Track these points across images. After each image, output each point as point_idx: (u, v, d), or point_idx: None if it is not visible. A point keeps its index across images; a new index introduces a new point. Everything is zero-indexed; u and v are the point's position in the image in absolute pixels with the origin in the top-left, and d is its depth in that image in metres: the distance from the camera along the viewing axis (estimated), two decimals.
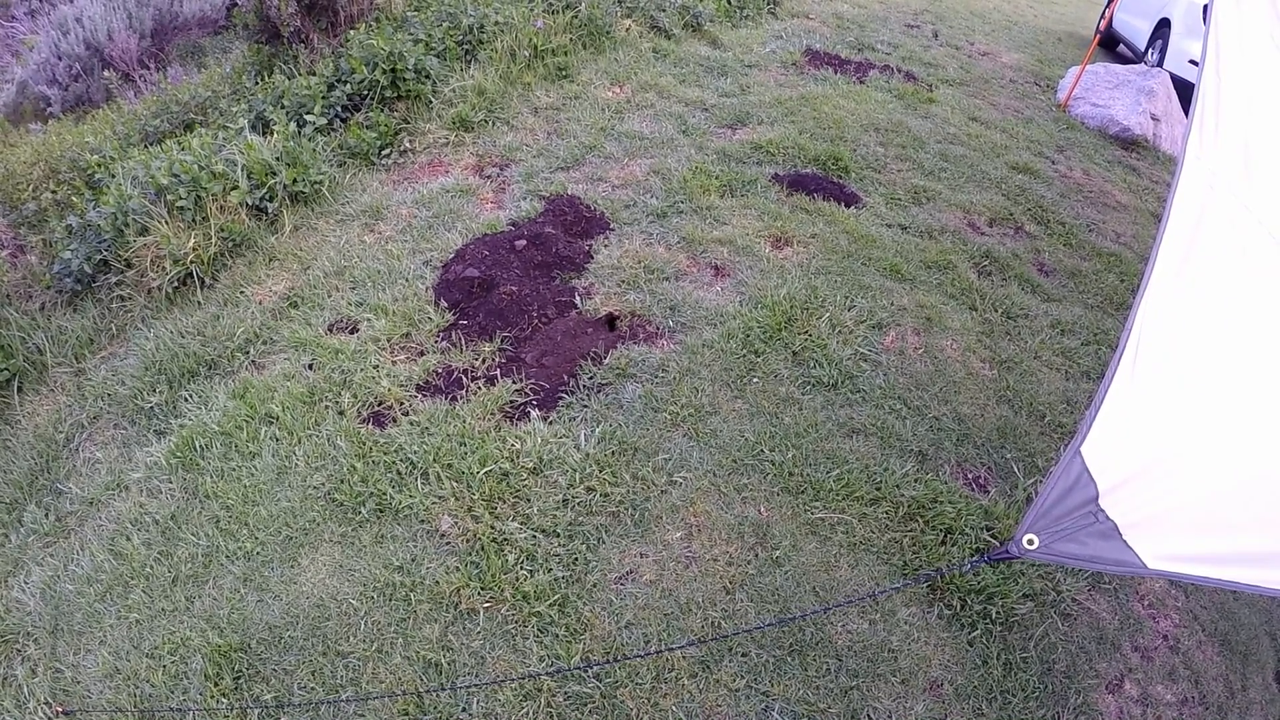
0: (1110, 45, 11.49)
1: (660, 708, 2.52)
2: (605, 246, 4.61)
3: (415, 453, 3.20)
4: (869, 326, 4.02)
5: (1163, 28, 8.71)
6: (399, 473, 3.14)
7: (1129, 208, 6.20)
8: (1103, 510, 1.47)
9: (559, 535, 2.90)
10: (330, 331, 4.07)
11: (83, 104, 8.51)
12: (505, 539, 2.88)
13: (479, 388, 3.56)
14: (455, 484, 3.07)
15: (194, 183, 4.78)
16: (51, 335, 4.42)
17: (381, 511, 3.02)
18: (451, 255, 4.52)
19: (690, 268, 4.42)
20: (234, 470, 3.31)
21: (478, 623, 2.67)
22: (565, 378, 3.66)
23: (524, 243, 4.62)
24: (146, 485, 3.38)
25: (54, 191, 5.51)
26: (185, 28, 8.16)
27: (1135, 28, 10.00)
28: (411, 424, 3.37)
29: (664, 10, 7.80)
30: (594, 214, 4.99)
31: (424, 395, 3.57)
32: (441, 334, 3.97)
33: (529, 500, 3.01)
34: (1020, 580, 3.02)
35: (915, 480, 3.25)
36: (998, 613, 2.89)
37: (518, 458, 3.15)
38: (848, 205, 5.19)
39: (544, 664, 2.57)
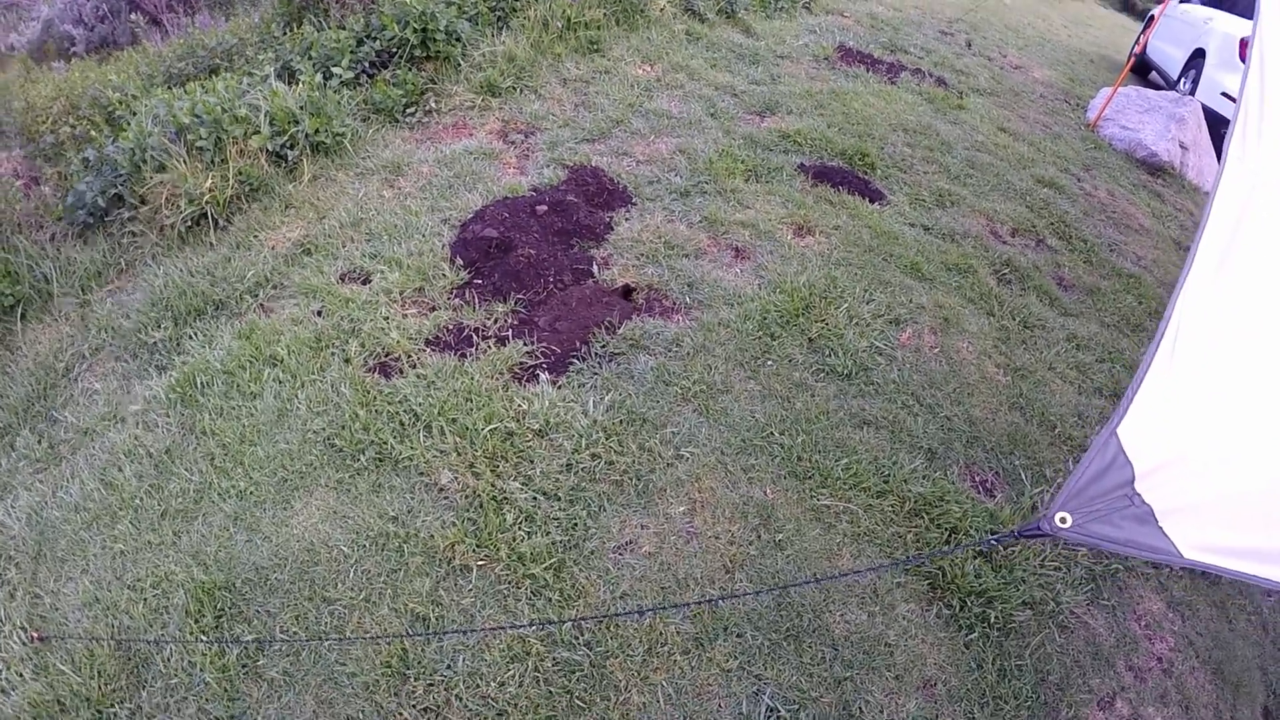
0: (1143, 71, 11.38)
1: (650, 681, 2.46)
2: (626, 219, 4.55)
3: (420, 405, 3.14)
4: (886, 321, 3.95)
5: (1197, 58, 8.60)
6: (402, 423, 3.08)
7: (1151, 232, 6.12)
8: (1139, 494, 1.40)
9: (560, 499, 2.84)
10: (342, 280, 4.01)
11: (108, 45, 8.44)
12: (505, 498, 2.82)
13: (489, 347, 3.50)
14: (458, 439, 3.00)
15: (215, 124, 4.72)
16: (60, 265, 4.37)
17: (381, 461, 2.96)
18: (470, 215, 4.45)
19: (710, 247, 4.36)
20: (233, 409, 3.25)
21: (470, 580, 2.61)
22: (577, 344, 3.59)
23: (545, 208, 4.55)
24: (143, 418, 3.33)
25: (72, 126, 5.45)
26: None
27: (1169, 55, 9.89)
28: (418, 377, 3.31)
29: None
30: (616, 187, 4.92)
31: (433, 350, 3.51)
32: (455, 291, 3.90)
33: (532, 461, 2.94)
34: (1021, 587, 2.95)
35: (923, 477, 3.18)
36: (996, 617, 2.83)
37: (524, 418, 3.08)
38: (872, 201, 5.12)
39: (535, 629, 2.51)
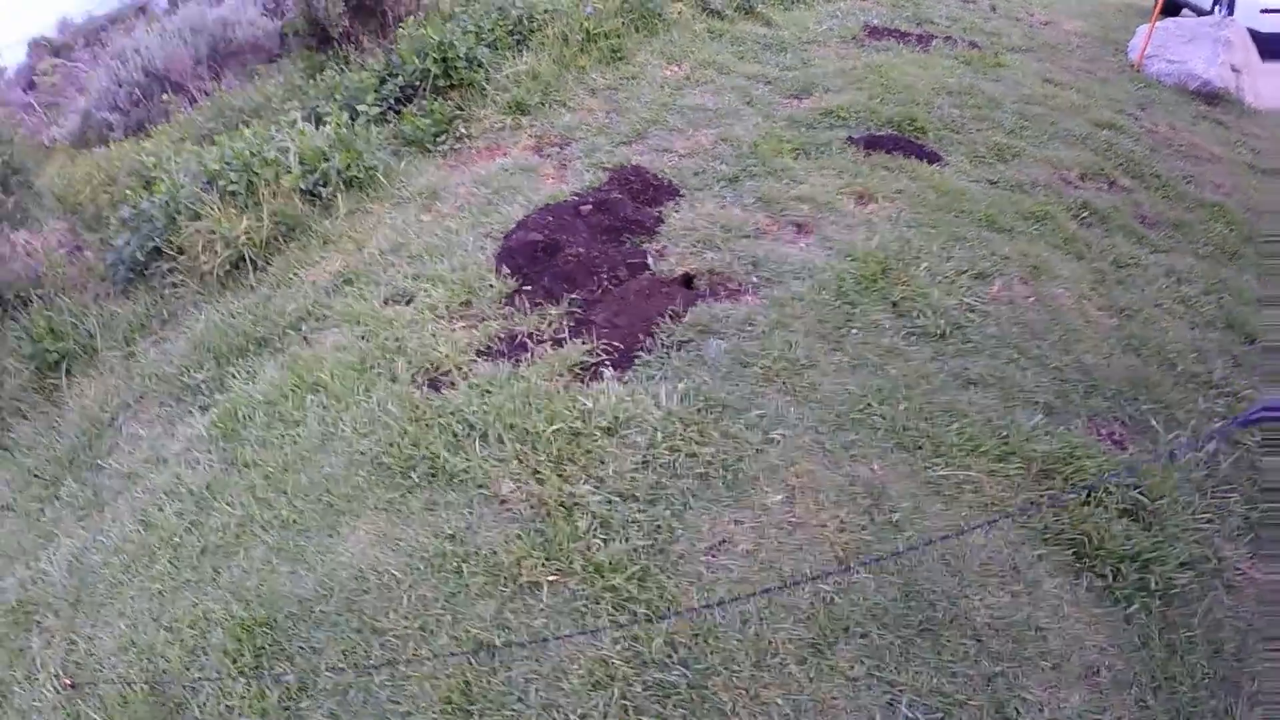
0: (1173, 11, 10.83)
1: (762, 700, 2.07)
2: (676, 211, 4.26)
3: (474, 413, 2.85)
4: (971, 276, 3.56)
5: None
6: (455, 435, 2.80)
7: (1223, 159, 5.62)
8: None
9: (638, 499, 2.49)
10: (385, 304, 3.81)
11: (144, 127, 8.71)
12: (575, 503, 2.49)
13: (546, 350, 3.21)
14: (519, 445, 2.70)
15: (245, 168, 4.65)
16: (103, 321, 4.29)
17: (434, 476, 2.67)
18: (513, 225, 4.22)
19: (770, 226, 4.02)
20: (276, 439, 3.02)
21: (540, 598, 2.27)
22: (641, 336, 3.28)
23: (589, 207, 4.30)
24: (185, 457, 3.13)
25: (109, 193, 5.48)
26: (239, 53, 8.28)
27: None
28: (470, 386, 3.04)
29: None
30: (661, 182, 4.64)
31: (485, 360, 3.24)
32: (504, 300, 3.65)
33: (603, 461, 2.62)
34: (1175, 545, 2.47)
35: (1045, 434, 2.75)
36: (1155, 583, 2.36)
37: (589, 417, 2.76)
38: (930, 163, 4.74)
39: (619, 647, 2.15)
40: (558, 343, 3.29)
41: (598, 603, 2.24)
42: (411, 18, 5.87)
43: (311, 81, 6.27)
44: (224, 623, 2.33)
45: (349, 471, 2.75)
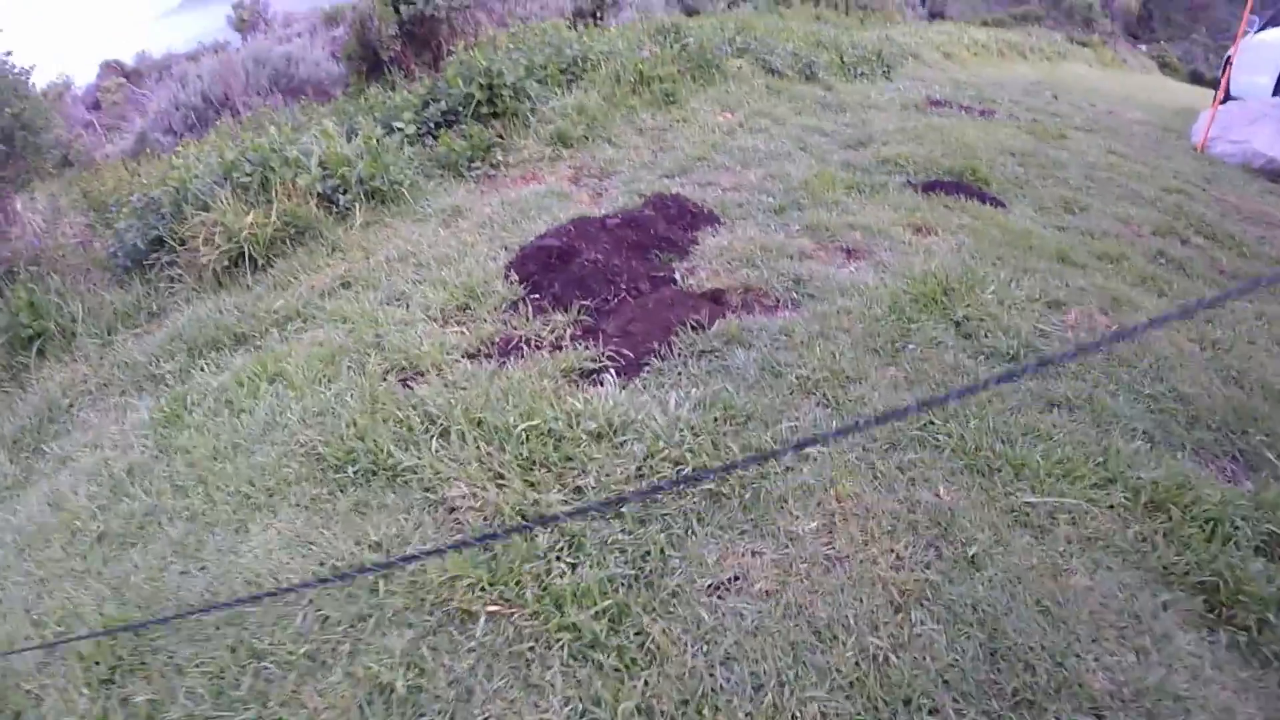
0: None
1: None
2: (713, 235, 3.82)
3: (437, 406, 2.35)
4: (1044, 304, 3.01)
5: None
6: (409, 428, 2.29)
7: None
8: None
9: (624, 517, 1.92)
10: (378, 306, 3.41)
11: None
12: (540, 515, 1.92)
13: (542, 356, 2.72)
14: (483, 445, 2.17)
15: (263, 163, 4.43)
16: (88, 305, 3.99)
17: (373, 473, 2.15)
18: (532, 239, 3.84)
19: (816, 251, 3.55)
20: (216, 425, 2.56)
21: (472, 633, 1.68)
22: (655, 344, 2.78)
23: (617, 221, 3.90)
24: (119, 440, 2.68)
25: (133, 191, 5.35)
26: (299, 89, 8.45)
27: (1256, 84, 9.10)
28: (446, 385, 2.54)
29: (775, 53, 7.39)
30: (701, 210, 4.22)
31: (471, 361, 2.76)
32: (507, 306, 3.21)
33: (584, 470, 2.06)
34: None
35: (1151, 462, 2.10)
36: None
37: (576, 419, 2.23)
38: (993, 206, 4.26)
39: (570, 710, 1.53)
40: (557, 347, 2.80)
41: (550, 646, 1.64)
42: (463, 43, 5.78)
43: (356, 102, 6.20)
44: (90, 622, 1.80)
45: (280, 462, 2.25)
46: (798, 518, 1.88)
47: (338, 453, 2.22)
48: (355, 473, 2.15)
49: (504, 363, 2.73)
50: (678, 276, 3.38)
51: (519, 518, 1.90)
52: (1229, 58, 9.22)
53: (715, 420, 2.21)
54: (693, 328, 2.84)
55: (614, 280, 3.31)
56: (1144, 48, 18.28)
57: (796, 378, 2.39)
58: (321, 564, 1.86)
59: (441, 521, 1.96)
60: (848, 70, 8.39)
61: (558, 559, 1.81)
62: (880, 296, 2.86)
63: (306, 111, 6.59)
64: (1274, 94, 8.74)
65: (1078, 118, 7.82)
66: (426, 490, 2.06)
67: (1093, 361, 2.59)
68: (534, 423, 2.19)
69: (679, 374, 2.52)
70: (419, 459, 2.15)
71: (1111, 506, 1.92)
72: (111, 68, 12.39)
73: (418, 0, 5.55)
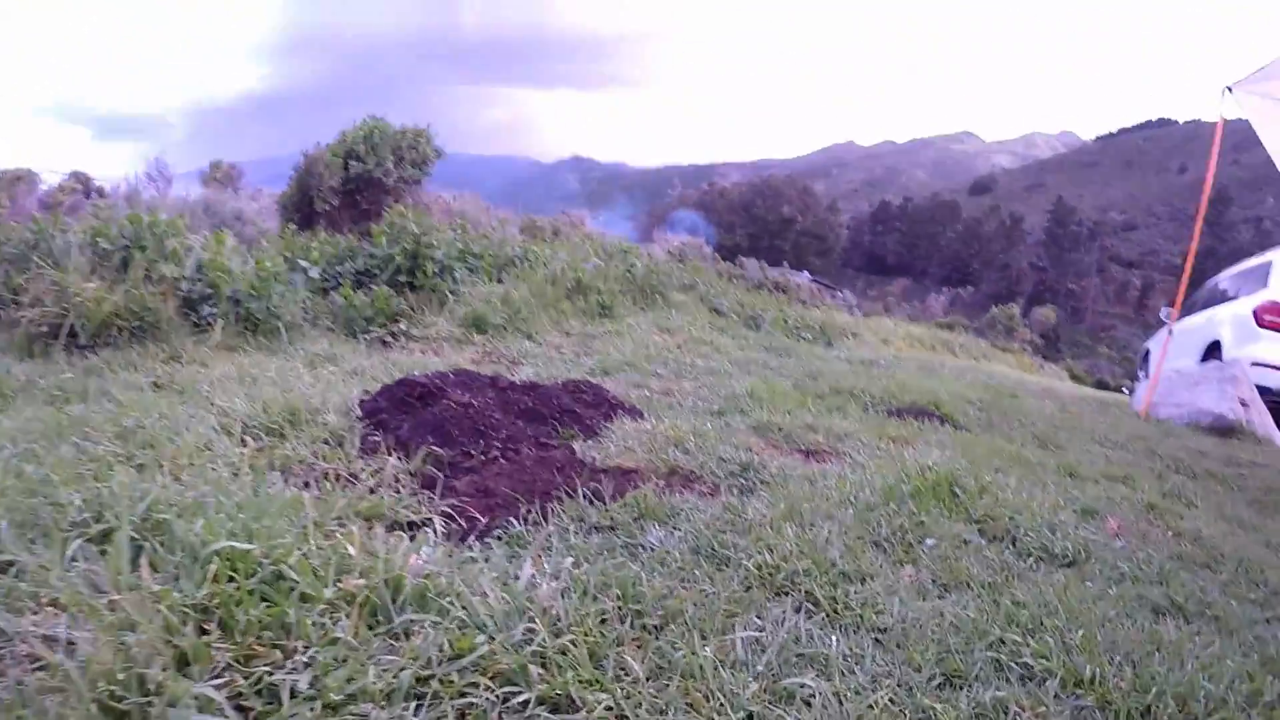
0: None
1: None
2: (634, 421, 3.01)
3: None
4: (1072, 512, 2.22)
5: (1213, 351, 8.27)
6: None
7: (1270, 466, 4.60)
8: None
9: None
10: (173, 406, 2.40)
11: None
12: None
13: (346, 494, 1.69)
14: (156, 567, 1.06)
15: (135, 240, 3.70)
16: None
17: None
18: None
19: (766, 450, 2.74)
20: None
21: None
22: (522, 508, 1.80)
23: (511, 382, 3.06)
24: None
25: None
26: (248, 241, 7.94)
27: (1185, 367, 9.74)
28: (177, 479, 1.47)
29: (723, 297, 7.32)
30: (622, 403, 3.40)
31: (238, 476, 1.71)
32: (331, 439, 2.23)
33: (302, 651, 0.96)
34: None
35: None
36: None
37: (342, 565, 1.17)
38: (969, 434, 3.64)
39: None
40: (372, 491, 1.79)
41: None
42: (400, 207, 5.37)
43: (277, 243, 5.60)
44: None
45: None
46: None
47: None
48: None
49: (293, 486, 1.68)
50: (577, 449, 2.48)
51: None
52: (1147, 349, 9.69)
53: (603, 614, 1.17)
54: (586, 497, 1.87)
55: (486, 434, 2.38)
56: (1052, 366, 20.15)
57: (756, 566, 1.41)
58: None
59: None
60: (791, 332, 8.40)
61: None
62: (867, 485, 2.00)
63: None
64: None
65: (1020, 390, 7.79)
66: None
67: (1175, 568, 1.74)
68: (250, 547, 1.11)
69: (550, 545, 1.51)
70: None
71: None
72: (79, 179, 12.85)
73: (368, 160, 5.28)
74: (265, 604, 1.08)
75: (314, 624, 1.05)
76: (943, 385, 5.42)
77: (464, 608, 1.09)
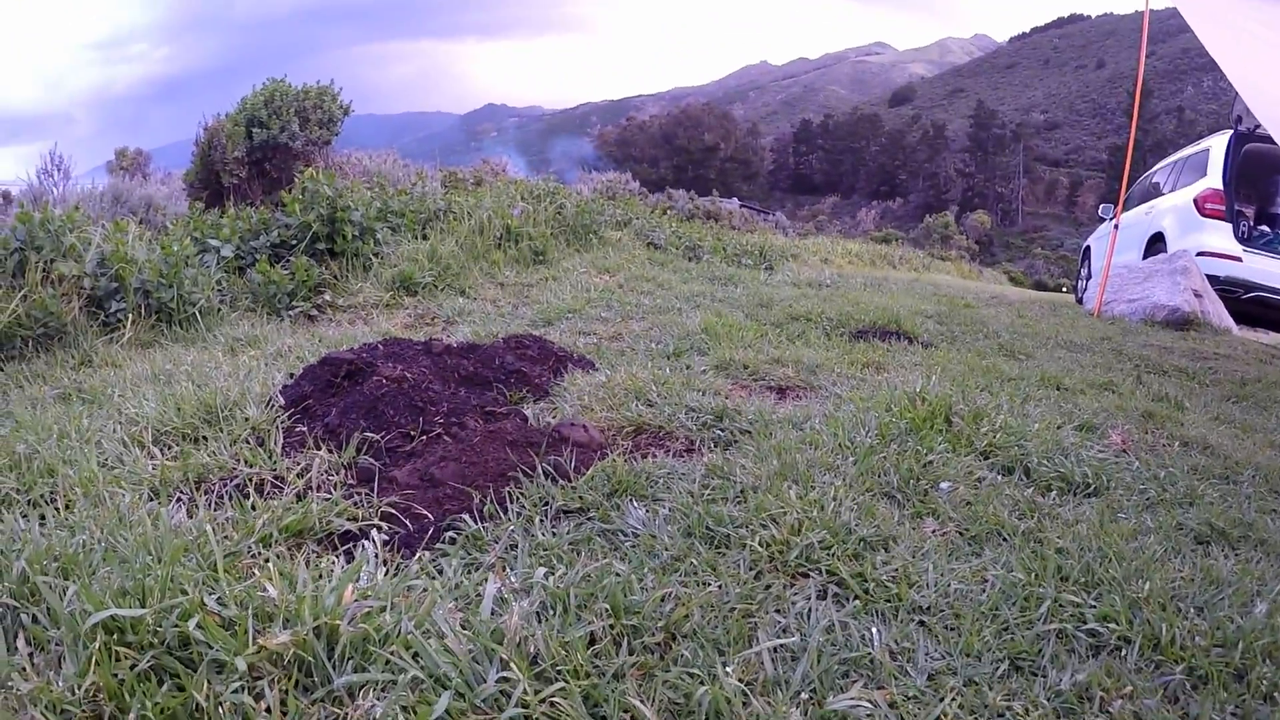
0: None
1: None
2: (585, 375, 2.78)
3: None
4: (1073, 429, 2.13)
5: (1156, 243, 8.37)
6: None
7: (1234, 357, 4.71)
8: None
9: None
10: (79, 418, 2.07)
11: None
12: None
13: (276, 506, 1.43)
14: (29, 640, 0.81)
15: (29, 241, 3.21)
16: None
17: None
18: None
19: (736, 391, 2.56)
20: None
21: None
22: (475, 498, 1.57)
23: (446, 345, 2.78)
24: None
25: None
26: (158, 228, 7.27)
27: (1127, 261, 9.89)
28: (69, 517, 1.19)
29: (658, 230, 7.03)
30: (569, 354, 3.16)
31: (155, 500, 1.43)
32: (251, 436, 1.93)
33: None
34: None
35: None
36: None
37: (261, 619, 0.92)
38: (935, 349, 3.56)
39: None
40: (301, 496, 1.53)
41: None
42: (311, 170, 4.86)
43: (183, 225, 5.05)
44: None
45: None
46: None
47: None
48: None
49: (213, 506, 1.40)
50: (528, 414, 2.25)
51: None
52: (1088, 246, 9.75)
53: (592, 639, 0.96)
54: (547, 475, 1.65)
55: (425, 410, 2.12)
56: (990, 270, 20.64)
57: (762, 545, 1.22)
58: None
59: None
60: (731, 259, 8.20)
61: None
62: (860, 424, 1.83)
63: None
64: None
65: (969, 296, 7.79)
66: None
67: (1201, 485, 1.65)
68: (139, 612, 0.86)
69: (513, 547, 1.29)
70: None
71: None
72: None
73: (272, 125, 4.74)
74: (171, 681, 0.84)
75: (230, 705, 0.81)
76: (896, 301, 5.34)
77: (416, 655, 0.87)
